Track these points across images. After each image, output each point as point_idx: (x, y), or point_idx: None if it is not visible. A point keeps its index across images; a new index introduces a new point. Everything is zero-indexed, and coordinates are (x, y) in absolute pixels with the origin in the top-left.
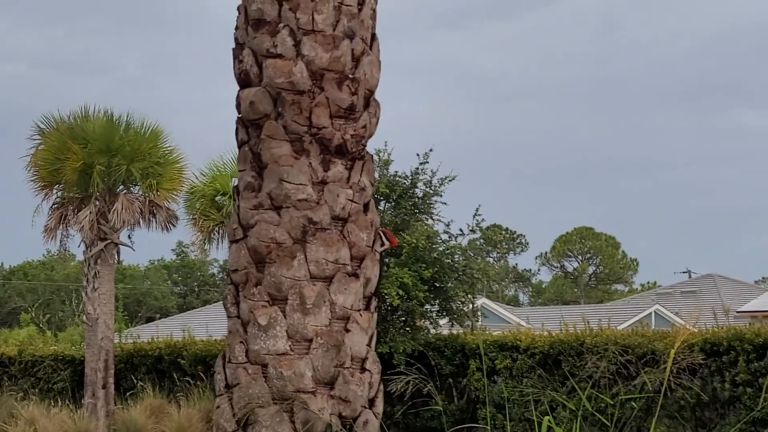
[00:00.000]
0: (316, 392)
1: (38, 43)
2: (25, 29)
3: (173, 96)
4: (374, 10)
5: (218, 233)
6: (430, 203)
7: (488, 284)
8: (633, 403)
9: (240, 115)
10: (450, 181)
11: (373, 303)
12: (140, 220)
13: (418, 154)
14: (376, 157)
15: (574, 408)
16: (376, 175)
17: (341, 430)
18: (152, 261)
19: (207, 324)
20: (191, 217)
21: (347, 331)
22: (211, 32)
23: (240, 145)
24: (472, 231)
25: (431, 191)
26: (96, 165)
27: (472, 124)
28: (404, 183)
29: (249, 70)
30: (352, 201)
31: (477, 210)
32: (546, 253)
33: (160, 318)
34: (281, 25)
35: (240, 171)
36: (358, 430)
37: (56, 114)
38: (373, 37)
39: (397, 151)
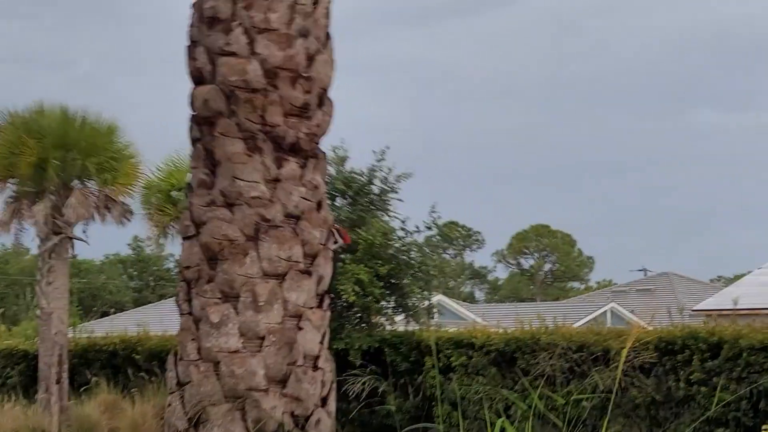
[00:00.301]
0: (268, 390)
1: None
2: None
3: (130, 92)
4: (328, 9)
5: (174, 228)
6: (387, 200)
7: (444, 281)
8: (584, 403)
9: (193, 113)
10: (406, 178)
11: (326, 301)
12: (95, 214)
13: (374, 151)
14: (332, 154)
15: (525, 408)
16: (333, 171)
17: (293, 428)
18: (108, 255)
19: (162, 319)
20: (147, 211)
21: (300, 329)
22: (168, 28)
23: (193, 142)
24: (428, 228)
25: (388, 188)
26: (51, 159)
27: (431, 123)
28: (361, 180)
29: (203, 68)
30: (305, 199)
31: (433, 207)
32: (502, 250)
33: (115, 312)
34: (235, 23)
35: (193, 168)
36: (311, 429)
37: (11, 108)
38: (328, 36)
39: (357, 149)
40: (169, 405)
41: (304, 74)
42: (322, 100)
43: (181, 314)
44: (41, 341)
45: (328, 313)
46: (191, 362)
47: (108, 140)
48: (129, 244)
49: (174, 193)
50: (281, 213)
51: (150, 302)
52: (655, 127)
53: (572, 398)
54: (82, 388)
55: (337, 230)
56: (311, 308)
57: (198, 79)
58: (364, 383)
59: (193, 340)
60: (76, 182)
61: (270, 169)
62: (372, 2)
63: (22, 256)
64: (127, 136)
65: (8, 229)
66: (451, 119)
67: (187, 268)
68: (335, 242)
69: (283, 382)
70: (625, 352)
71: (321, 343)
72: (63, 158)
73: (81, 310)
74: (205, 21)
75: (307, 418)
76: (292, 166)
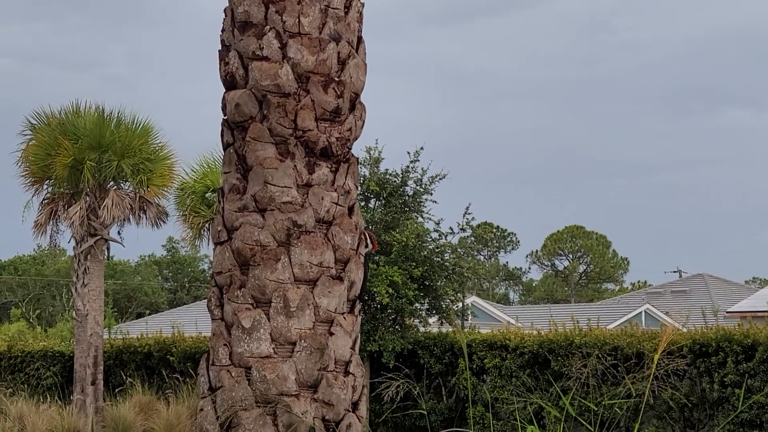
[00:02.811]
0: (299, 395)
1: (24, 39)
2: (11, 24)
3: (161, 92)
4: (361, 13)
5: (208, 229)
6: (421, 201)
7: (478, 282)
8: (617, 409)
9: (225, 117)
10: (441, 179)
11: (357, 306)
12: (130, 216)
13: (408, 152)
14: (366, 155)
15: (558, 414)
16: (367, 172)
17: None
18: (143, 256)
19: (196, 320)
20: (181, 213)
21: (331, 334)
22: (198, 29)
23: (225, 147)
24: (462, 229)
25: (421, 189)
26: (86, 161)
27: (461, 123)
28: (395, 181)
29: (235, 73)
30: (336, 204)
31: (467, 208)
32: (537, 251)
33: (149, 314)
34: (267, 27)
35: (225, 173)
36: None
37: (47, 109)
38: (360, 39)
39: (386, 150)
40: (201, 409)
41: (336, 78)
42: (354, 104)
43: (213, 319)
44: (77, 342)
45: (360, 319)
46: (223, 367)
47: (143, 141)
48: (164, 246)
49: (208, 195)
50: (313, 218)
51: (185, 303)
52: (686, 126)
53: (604, 403)
54: (117, 389)
55: (368, 236)
56: (342, 314)
57: (230, 83)
58: (397, 387)
59: (224, 345)
60: (111, 184)
61: (302, 174)
62: (400, 3)
63: (58, 257)
64: (161, 137)
65: (44, 230)
66: (482, 119)
67: (219, 273)
68: (366, 246)
69: (314, 387)
70: (656, 358)
71: (352, 348)
72: (98, 159)
73: (116, 312)
74: (238, 25)
75: (338, 423)
76: (323, 171)
